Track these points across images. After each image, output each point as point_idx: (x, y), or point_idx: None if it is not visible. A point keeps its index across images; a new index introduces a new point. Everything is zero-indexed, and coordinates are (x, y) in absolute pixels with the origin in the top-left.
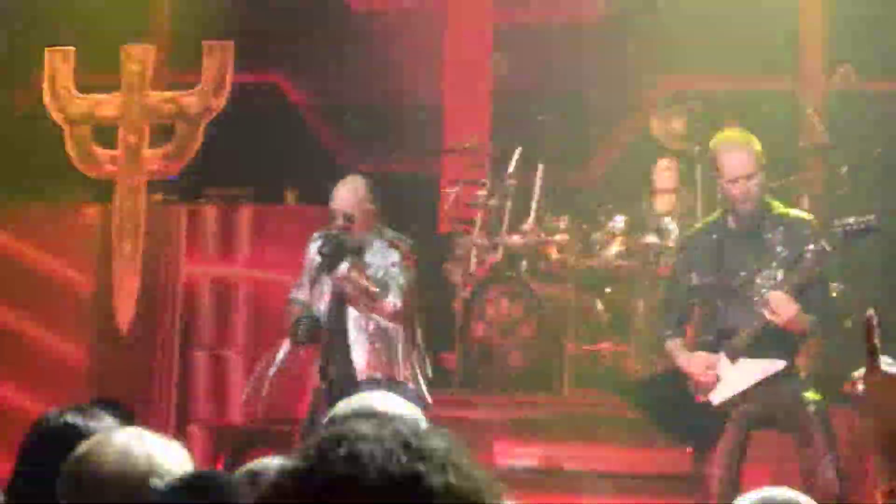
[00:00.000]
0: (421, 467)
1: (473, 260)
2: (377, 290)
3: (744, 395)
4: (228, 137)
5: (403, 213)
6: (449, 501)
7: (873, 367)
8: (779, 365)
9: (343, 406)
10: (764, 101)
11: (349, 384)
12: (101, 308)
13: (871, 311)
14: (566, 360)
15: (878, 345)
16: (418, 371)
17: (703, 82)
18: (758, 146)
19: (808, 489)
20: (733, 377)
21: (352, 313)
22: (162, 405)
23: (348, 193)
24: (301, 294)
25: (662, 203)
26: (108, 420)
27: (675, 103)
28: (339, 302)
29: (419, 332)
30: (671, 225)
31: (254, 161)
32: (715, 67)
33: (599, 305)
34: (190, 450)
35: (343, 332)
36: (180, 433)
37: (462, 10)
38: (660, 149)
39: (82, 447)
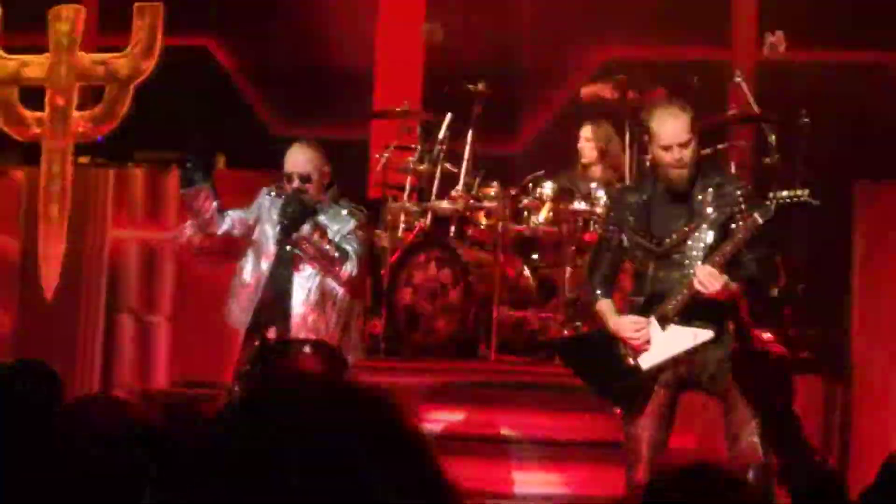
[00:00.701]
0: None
1: (402, 225)
2: (336, 254)
3: (672, 361)
4: (158, 100)
5: (335, 177)
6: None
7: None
8: (708, 334)
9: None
10: (694, 69)
11: (284, 345)
12: (27, 272)
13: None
14: (493, 326)
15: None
16: (354, 337)
17: (633, 50)
18: (692, 113)
19: (733, 455)
20: (663, 343)
21: (297, 278)
22: (87, 369)
23: (304, 155)
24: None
25: (590, 170)
26: (30, 381)
27: (606, 72)
28: (286, 263)
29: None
30: (599, 192)
31: (183, 125)
32: (646, 35)
33: (526, 272)
34: None
35: (286, 294)
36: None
37: None
38: (588, 116)
39: None
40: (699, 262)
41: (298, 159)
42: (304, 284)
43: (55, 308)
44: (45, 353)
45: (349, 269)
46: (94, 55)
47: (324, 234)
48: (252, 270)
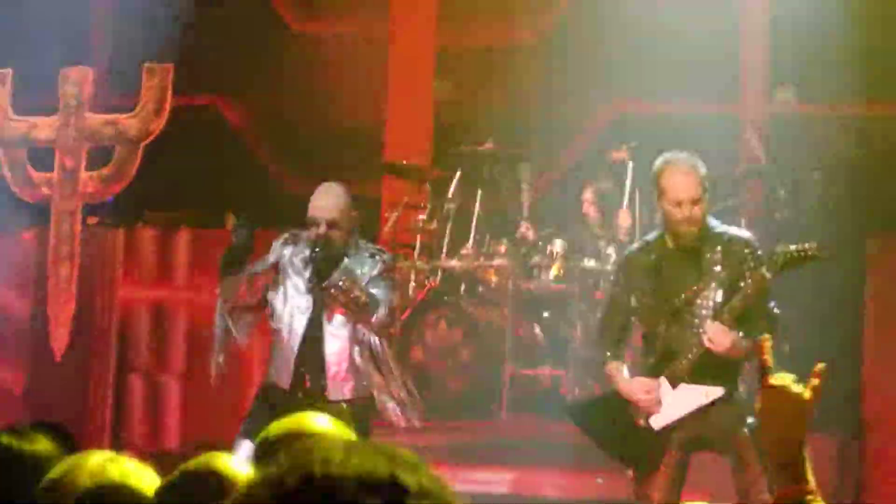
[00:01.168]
0: (395, 468)
1: (412, 283)
2: (367, 301)
3: (683, 421)
4: (167, 160)
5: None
6: (420, 498)
7: (765, 382)
8: (719, 392)
9: (276, 427)
10: (704, 124)
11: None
12: (37, 332)
13: (766, 336)
14: (504, 385)
15: (770, 362)
16: (405, 386)
17: (644, 106)
18: (703, 169)
19: None
20: (674, 403)
21: (329, 327)
22: (97, 430)
23: (331, 200)
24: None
25: (600, 229)
26: (44, 442)
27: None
28: (317, 312)
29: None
30: (609, 249)
31: (193, 184)
32: (656, 91)
33: (537, 329)
34: None
35: (319, 344)
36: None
37: (405, 33)
38: (599, 173)
39: (57, 469)
40: (709, 321)
41: (326, 203)
42: (336, 333)
43: (65, 368)
44: (56, 414)
45: (381, 314)
46: (103, 116)
47: (354, 279)
48: (286, 325)
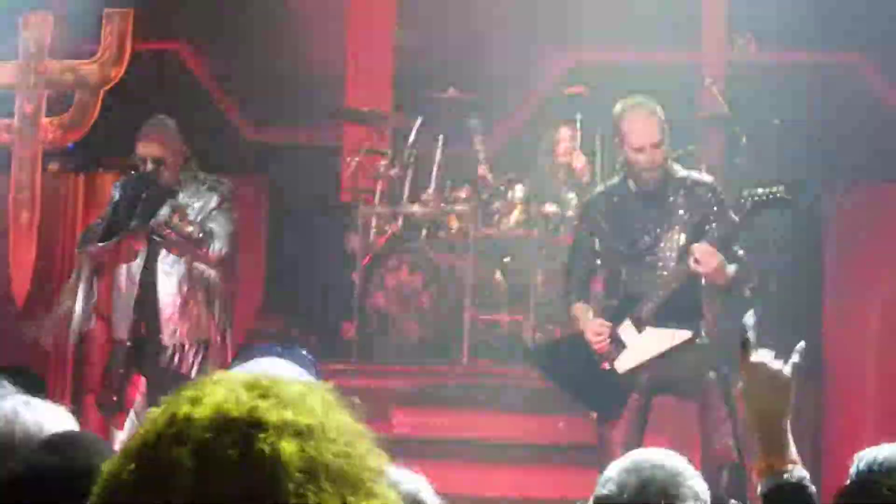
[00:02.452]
0: (259, 403)
1: (373, 230)
2: (201, 235)
3: (648, 364)
4: (128, 107)
5: (306, 182)
6: (279, 432)
7: (746, 359)
8: (684, 335)
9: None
10: (664, 72)
11: (155, 344)
12: None
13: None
14: (465, 329)
15: (752, 339)
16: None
17: (603, 53)
18: (662, 114)
19: (706, 455)
20: (639, 346)
21: (162, 266)
22: (58, 376)
23: (156, 136)
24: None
25: (561, 172)
26: (8, 388)
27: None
28: (151, 255)
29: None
30: (570, 194)
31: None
32: (616, 38)
33: (498, 275)
34: (85, 420)
35: (152, 288)
36: (76, 403)
37: None
38: (557, 120)
39: None
40: (672, 264)
41: (151, 140)
42: (168, 273)
43: (27, 314)
44: (18, 360)
45: (217, 248)
46: (63, 62)
47: (184, 215)
48: (124, 272)
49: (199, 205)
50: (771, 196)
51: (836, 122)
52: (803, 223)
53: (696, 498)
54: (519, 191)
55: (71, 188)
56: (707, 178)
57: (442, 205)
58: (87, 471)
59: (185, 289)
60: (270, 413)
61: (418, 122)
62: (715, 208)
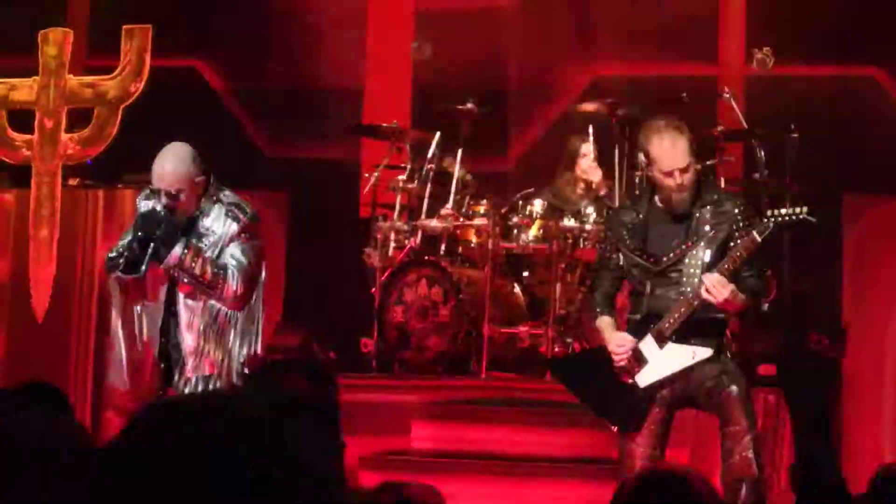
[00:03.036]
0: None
1: (392, 244)
2: (213, 276)
3: (669, 379)
4: (147, 122)
5: (325, 197)
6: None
7: None
8: (705, 353)
9: None
10: (683, 86)
11: (181, 375)
12: (18, 293)
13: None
14: (484, 344)
15: None
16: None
17: (622, 68)
18: (690, 134)
19: (726, 469)
20: (660, 361)
21: (182, 299)
22: (78, 391)
23: (171, 167)
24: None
25: (580, 187)
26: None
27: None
28: (171, 286)
29: (261, 317)
30: (589, 209)
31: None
32: (635, 52)
33: (517, 289)
34: (106, 436)
35: (175, 315)
36: (96, 419)
37: None
38: (579, 134)
39: None
40: (696, 280)
41: (165, 173)
42: (189, 306)
43: (46, 330)
44: (37, 376)
45: (233, 287)
46: (83, 78)
47: (197, 253)
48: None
49: (219, 231)
50: (795, 217)
51: (855, 135)
52: (821, 237)
53: None
54: (538, 205)
55: (91, 203)
56: (733, 194)
57: (461, 219)
58: None
59: (206, 323)
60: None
61: (437, 136)
62: (741, 224)
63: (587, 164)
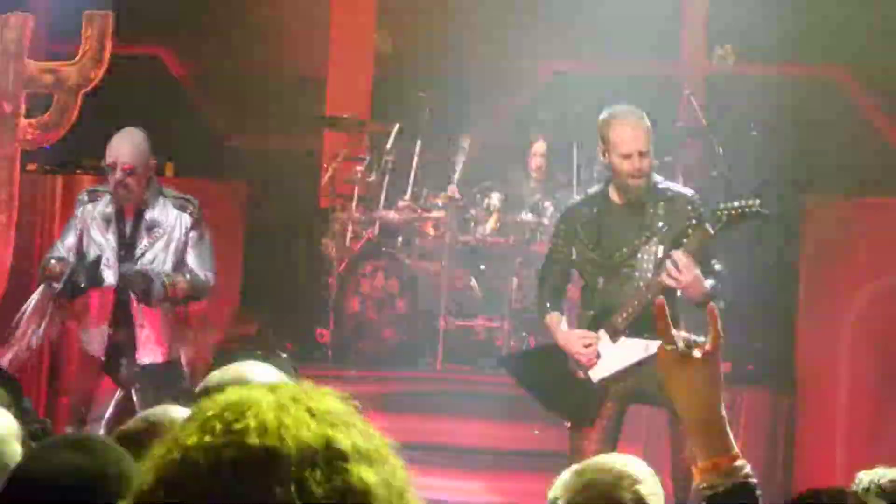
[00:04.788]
0: (329, 431)
1: (350, 235)
2: (194, 292)
3: (622, 374)
4: (107, 109)
5: (284, 187)
6: (357, 461)
7: (660, 350)
8: (658, 346)
9: (217, 376)
10: (643, 83)
11: (131, 361)
12: None
13: (661, 298)
14: (440, 336)
15: (668, 328)
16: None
17: (582, 63)
18: (648, 123)
19: (676, 463)
20: (613, 355)
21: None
22: (33, 376)
23: (128, 146)
24: (65, 252)
25: (533, 182)
26: None
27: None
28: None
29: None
30: (546, 202)
31: None
32: (595, 49)
33: (473, 281)
34: (62, 422)
35: (125, 304)
36: (51, 404)
37: None
38: (536, 127)
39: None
40: (649, 276)
41: (123, 149)
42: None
43: (2, 314)
44: None
45: (209, 285)
46: (43, 63)
47: (175, 282)
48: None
49: (168, 223)
50: (747, 210)
51: (814, 134)
52: (778, 235)
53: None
54: (495, 199)
55: (49, 189)
56: (688, 190)
57: (418, 211)
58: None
59: (159, 310)
60: (344, 441)
61: (395, 128)
62: (694, 221)
63: (537, 164)
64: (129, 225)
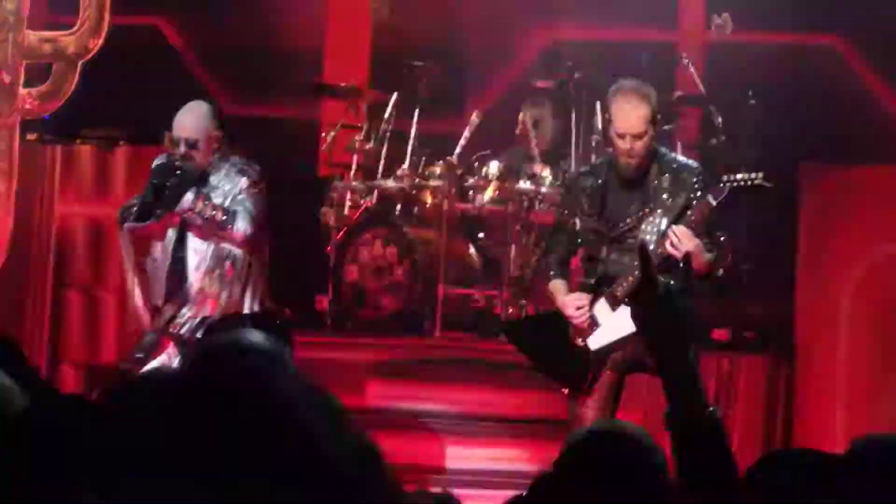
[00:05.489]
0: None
1: (348, 203)
2: (224, 217)
3: (621, 342)
4: (106, 78)
5: (283, 155)
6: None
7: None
8: None
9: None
10: (641, 50)
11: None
12: None
13: (665, 246)
14: (438, 304)
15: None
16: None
17: (580, 32)
18: (654, 101)
19: None
20: (613, 324)
21: (191, 243)
22: (34, 344)
23: (192, 119)
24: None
25: (535, 151)
26: None
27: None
28: (179, 233)
29: (266, 271)
30: (545, 171)
31: (131, 103)
32: (593, 16)
33: (472, 250)
34: (63, 389)
35: (181, 264)
36: (52, 372)
37: None
38: (534, 95)
39: None
40: (652, 247)
41: (186, 122)
42: (198, 250)
43: (3, 283)
44: None
45: (241, 228)
46: (42, 33)
47: (207, 199)
48: (162, 245)
49: (228, 187)
50: (750, 182)
51: (813, 103)
52: (778, 204)
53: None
54: (493, 167)
55: (48, 158)
56: (692, 162)
57: (417, 180)
58: None
59: (211, 266)
60: None
61: (394, 97)
62: (698, 193)
63: (534, 132)
64: (193, 191)
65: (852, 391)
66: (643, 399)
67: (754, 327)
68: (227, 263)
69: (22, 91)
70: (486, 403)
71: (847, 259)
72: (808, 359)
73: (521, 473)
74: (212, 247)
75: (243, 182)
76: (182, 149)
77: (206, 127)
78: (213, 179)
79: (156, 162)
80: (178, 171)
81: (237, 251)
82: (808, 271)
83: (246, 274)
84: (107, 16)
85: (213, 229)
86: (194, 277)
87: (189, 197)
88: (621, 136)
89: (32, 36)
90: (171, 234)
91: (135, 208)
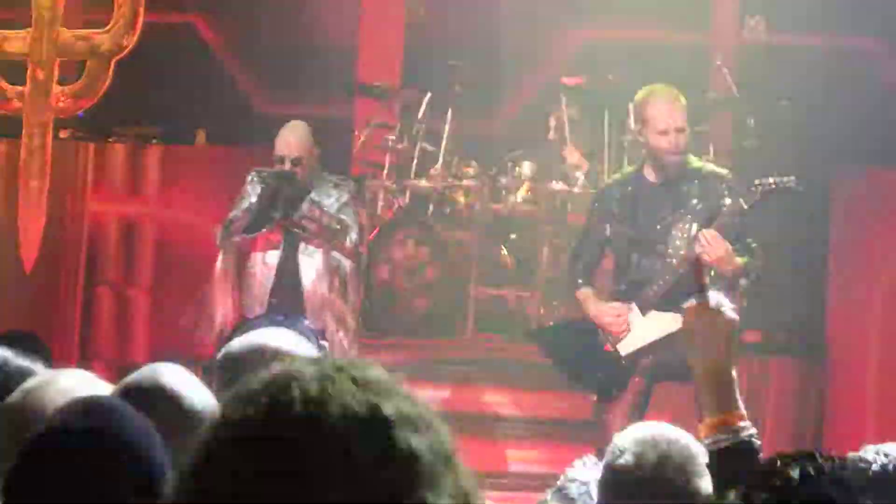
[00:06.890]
0: (373, 398)
1: (381, 203)
2: (338, 227)
3: (651, 347)
4: (140, 76)
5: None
6: (402, 427)
7: (701, 303)
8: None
9: (237, 344)
10: (674, 53)
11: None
12: (6, 244)
13: (696, 251)
14: (470, 305)
15: (707, 282)
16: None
17: (613, 33)
18: (684, 101)
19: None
20: (643, 329)
21: (302, 255)
22: (65, 342)
23: (296, 137)
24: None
25: (568, 151)
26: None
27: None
28: (290, 245)
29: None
30: (578, 172)
31: (164, 101)
32: (626, 18)
33: (504, 251)
34: None
35: (294, 275)
36: (83, 370)
37: None
38: (566, 97)
39: (27, 385)
40: (682, 253)
41: (291, 141)
42: (311, 264)
43: (34, 279)
44: (24, 325)
45: (353, 238)
46: (76, 31)
47: (322, 210)
48: (259, 260)
49: (329, 201)
50: (781, 185)
51: (847, 106)
52: (811, 207)
53: (707, 475)
54: (526, 167)
55: (81, 156)
56: (722, 170)
57: (449, 180)
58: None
59: (324, 276)
60: (389, 408)
61: (427, 96)
62: (728, 200)
63: (567, 133)
64: (308, 200)
65: (883, 394)
66: (671, 405)
67: (786, 330)
68: (337, 276)
69: (55, 89)
70: (518, 404)
71: (880, 262)
72: (838, 362)
73: (551, 475)
74: (321, 259)
75: (344, 196)
76: (287, 165)
77: (308, 145)
78: (315, 194)
79: (256, 176)
80: (289, 181)
81: (345, 262)
82: (839, 273)
83: (352, 284)
84: (141, 13)
85: (328, 238)
86: (308, 290)
87: (304, 206)
88: (664, 133)
89: (67, 33)
90: (275, 249)
91: (239, 220)
